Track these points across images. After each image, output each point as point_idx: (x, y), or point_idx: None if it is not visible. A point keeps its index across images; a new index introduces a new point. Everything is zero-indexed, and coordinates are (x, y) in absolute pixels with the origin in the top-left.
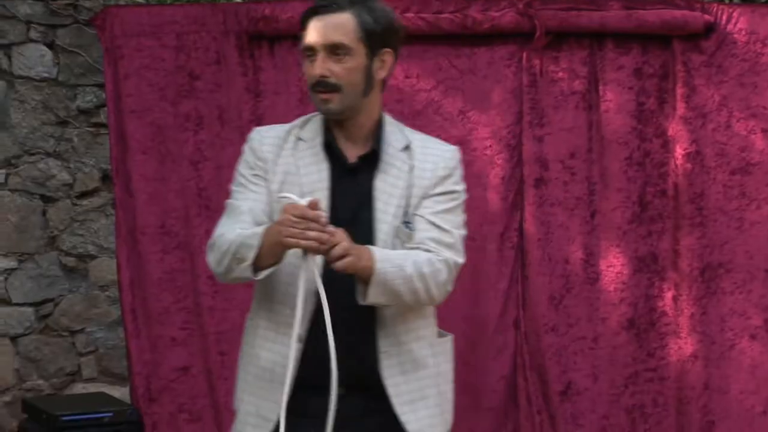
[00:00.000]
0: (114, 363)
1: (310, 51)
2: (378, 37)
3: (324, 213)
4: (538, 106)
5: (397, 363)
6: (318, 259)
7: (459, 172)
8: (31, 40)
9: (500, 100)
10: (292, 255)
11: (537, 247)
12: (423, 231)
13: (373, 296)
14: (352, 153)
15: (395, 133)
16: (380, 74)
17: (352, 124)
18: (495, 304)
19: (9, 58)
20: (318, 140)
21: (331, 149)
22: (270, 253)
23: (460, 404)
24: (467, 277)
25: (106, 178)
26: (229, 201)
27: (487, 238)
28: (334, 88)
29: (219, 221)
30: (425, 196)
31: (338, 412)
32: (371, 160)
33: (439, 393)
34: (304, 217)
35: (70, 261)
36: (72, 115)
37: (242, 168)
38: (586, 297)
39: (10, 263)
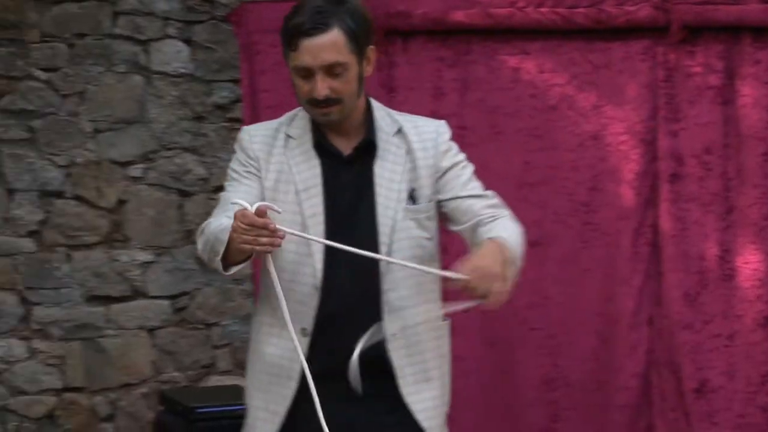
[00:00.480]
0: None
1: (305, 71)
2: (363, 40)
3: (270, 220)
4: (673, 101)
5: (404, 345)
6: (271, 261)
7: (454, 144)
8: (168, 36)
9: (635, 94)
10: (293, 252)
11: (672, 244)
12: (472, 206)
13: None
14: (346, 145)
15: (384, 118)
16: (368, 71)
17: (344, 122)
18: (629, 300)
19: (147, 53)
20: (307, 137)
21: (322, 145)
22: (235, 251)
23: (593, 401)
24: (600, 273)
25: None
26: (221, 194)
27: (621, 234)
28: (335, 102)
29: (215, 211)
30: (438, 176)
31: (352, 394)
32: (366, 149)
33: (442, 375)
34: (253, 225)
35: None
36: (208, 110)
37: (234, 165)
38: (722, 294)
39: (147, 256)
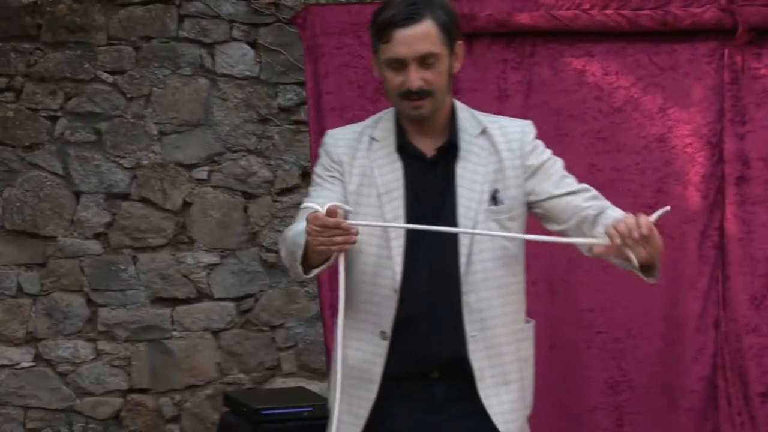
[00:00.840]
0: (313, 358)
1: (399, 62)
2: (453, 33)
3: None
4: (739, 104)
5: (483, 347)
6: (342, 262)
7: (540, 142)
8: (234, 39)
9: (701, 97)
10: (374, 255)
11: (738, 246)
12: (570, 203)
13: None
14: (429, 147)
15: (469, 119)
16: (456, 67)
17: (430, 121)
18: (694, 303)
19: (212, 56)
20: (391, 140)
21: (405, 147)
22: (313, 254)
23: (658, 405)
24: (666, 276)
25: (305, 175)
26: (304, 199)
27: (686, 236)
28: (427, 94)
29: (298, 216)
30: (527, 175)
31: (432, 396)
32: (449, 151)
33: (522, 378)
34: (325, 226)
35: (271, 257)
36: (273, 112)
37: (318, 170)
38: None
39: (212, 258)
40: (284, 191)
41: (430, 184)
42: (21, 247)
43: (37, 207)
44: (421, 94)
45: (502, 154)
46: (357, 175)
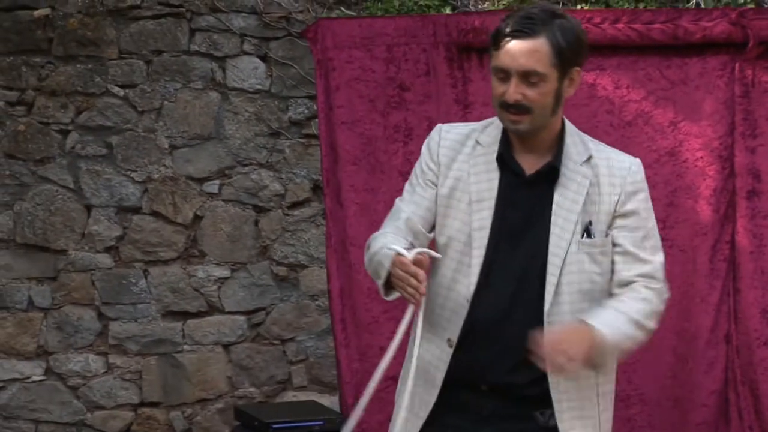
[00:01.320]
0: (324, 372)
1: (503, 72)
2: (569, 59)
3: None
4: (750, 117)
5: (563, 378)
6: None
7: (646, 187)
8: (245, 53)
9: (712, 110)
10: (455, 260)
11: (749, 260)
12: (626, 268)
13: (605, 364)
14: (530, 164)
15: (577, 144)
16: (569, 92)
17: (534, 138)
18: (706, 317)
19: (223, 70)
20: (494, 148)
21: (506, 159)
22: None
23: (669, 419)
24: (677, 289)
25: (316, 188)
26: (397, 199)
27: (697, 250)
28: (526, 111)
29: (389, 216)
30: (617, 214)
31: (480, 408)
32: (549, 173)
33: (599, 413)
34: (407, 273)
35: (282, 270)
36: (284, 126)
37: (417, 168)
38: None
39: (223, 272)
40: (295, 205)
41: (523, 202)
42: (32, 260)
43: (48, 221)
44: (518, 108)
45: (602, 188)
46: (452, 178)
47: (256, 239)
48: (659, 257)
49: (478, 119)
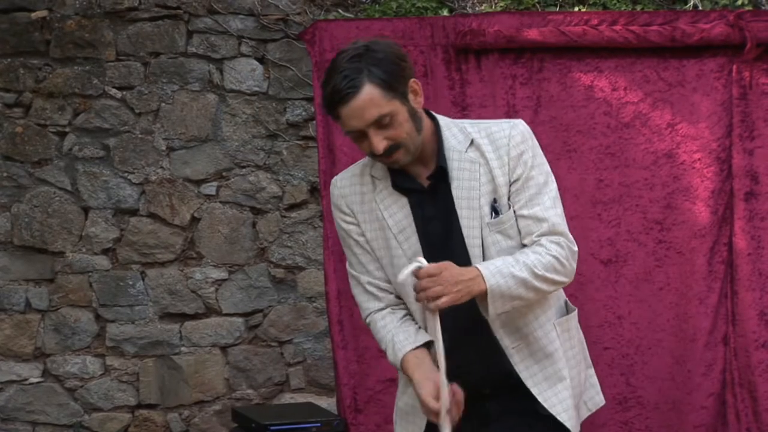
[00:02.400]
0: (321, 373)
1: (357, 133)
2: (398, 82)
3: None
4: (748, 119)
5: (528, 354)
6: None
7: (532, 144)
8: (243, 55)
9: (709, 112)
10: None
11: (747, 262)
12: (523, 229)
13: (496, 309)
14: (425, 174)
15: (456, 136)
16: (419, 103)
17: (416, 156)
18: (704, 319)
19: (221, 72)
20: (388, 179)
21: (401, 183)
22: None
23: (667, 421)
24: (675, 292)
25: (314, 190)
26: (348, 269)
27: (696, 252)
28: (397, 148)
29: (351, 285)
30: (511, 183)
31: (486, 412)
32: (442, 175)
33: (578, 372)
34: (429, 410)
35: (279, 272)
36: (281, 128)
37: (338, 227)
38: None
39: (220, 274)
40: (293, 207)
41: (434, 213)
42: (29, 262)
43: (46, 222)
44: (390, 150)
45: (491, 163)
46: (369, 221)
47: (254, 241)
48: (556, 210)
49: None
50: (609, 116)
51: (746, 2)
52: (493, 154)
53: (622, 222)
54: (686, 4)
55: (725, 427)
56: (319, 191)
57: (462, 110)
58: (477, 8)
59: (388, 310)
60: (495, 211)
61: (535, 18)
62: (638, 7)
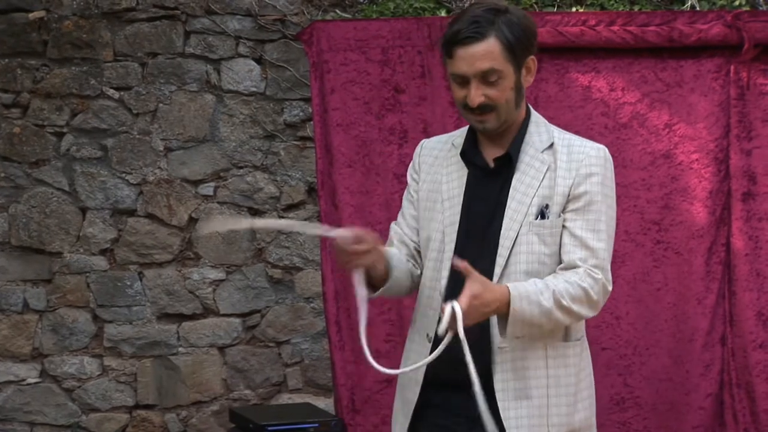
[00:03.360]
0: (319, 374)
1: (461, 78)
2: (522, 50)
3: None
4: (746, 119)
5: (510, 359)
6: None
7: (606, 173)
8: (240, 55)
9: (707, 113)
10: (432, 259)
11: (745, 263)
12: (568, 246)
13: (513, 333)
14: (495, 155)
15: (541, 133)
16: (528, 81)
17: (499, 134)
18: (702, 320)
19: (218, 72)
20: (460, 148)
21: (468, 155)
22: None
23: (664, 422)
24: (673, 292)
25: (311, 191)
26: (393, 223)
27: (693, 252)
28: (491, 109)
29: None
30: (570, 197)
31: (470, 405)
32: (509, 162)
33: (548, 396)
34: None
35: (277, 273)
36: (279, 128)
37: (408, 176)
38: None
39: (218, 274)
40: (290, 207)
41: (487, 193)
42: (27, 263)
43: (44, 223)
44: (483, 109)
45: (559, 171)
46: (429, 181)
47: (251, 242)
48: (607, 247)
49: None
50: (607, 117)
51: (744, 2)
52: (566, 164)
53: (620, 222)
54: (684, 5)
55: (723, 428)
56: (316, 191)
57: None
58: None
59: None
60: (542, 215)
61: (532, 18)
62: (636, 8)
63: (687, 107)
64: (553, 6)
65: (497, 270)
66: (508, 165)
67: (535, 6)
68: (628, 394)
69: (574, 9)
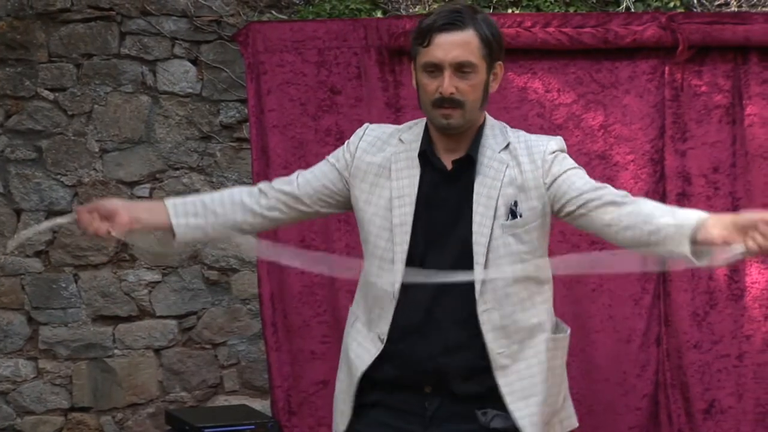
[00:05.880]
0: (255, 376)
1: (435, 67)
2: (495, 51)
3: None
4: (680, 120)
5: (511, 363)
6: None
7: (566, 154)
8: (176, 56)
9: (642, 114)
10: (378, 257)
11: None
12: (599, 194)
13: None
14: (452, 158)
15: (496, 136)
16: (494, 87)
17: (459, 134)
18: (639, 320)
19: (154, 74)
20: (416, 145)
21: (427, 155)
22: None
23: (601, 422)
24: (610, 293)
25: None
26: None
27: (629, 252)
28: (458, 105)
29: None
30: (551, 180)
31: (424, 410)
32: (468, 165)
33: (547, 387)
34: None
35: (213, 274)
36: (215, 130)
37: (336, 153)
38: (730, 314)
39: (154, 276)
40: None
41: (446, 197)
42: None
43: None
44: (453, 102)
45: (523, 166)
46: (373, 174)
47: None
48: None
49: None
50: (542, 118)
51: (678, 4)
52: (527, 158)
53: (555, 223)
54: (619, 7)
55: (658, 428)
56: None
57: (396, 112)
58: (411, 10)
59: (254, 198)
60: (513, 214)
61: None
62: (571, 9)
63: (622, 108)
64: (489, 7)
65: (478, 277)
66: (467, 168)
67: None
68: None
69: (509, 10)
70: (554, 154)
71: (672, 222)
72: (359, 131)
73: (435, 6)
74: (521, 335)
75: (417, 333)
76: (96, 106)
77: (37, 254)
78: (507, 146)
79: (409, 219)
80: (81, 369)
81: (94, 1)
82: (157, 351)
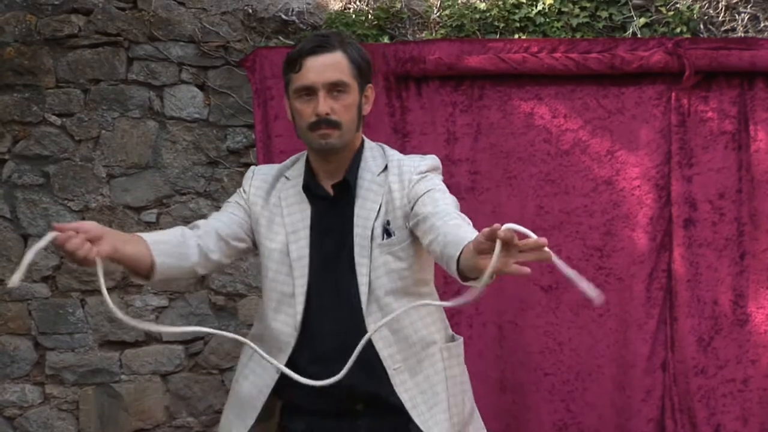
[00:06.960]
0: None
1: (308, 90)
2: (365, 73)
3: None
4: (687, 146)
5: (409, 377)
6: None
7: (435, 174)
8: (183, 82)
9: (648, 139)
10: (278, 291)
11: (686, 289)
12: (440, 204)
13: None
14: (332, 183)
15: (376, 158)
16: (366, 110)
17: (336, 159)
18: (643, 345)
19: (161, 99)
20: (300, 180)
21: (311, 187)
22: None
23: None
24: (614, 318)
25: None
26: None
27: (634, 278)
28: (335, 125)
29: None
30: (412, 202)
31: (356, 429)
32: (348, 190)
33: (448, 396)
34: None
35: (220, 299)
36: (222, 155)
37: (233, 200)
38: (736, 339)
39: (161, 301)
40: None
41: (332, 224)
42: None
43: None
44: (329, 123)
45: (392, 185)
46: (267, 213)
47: None
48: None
49: (416, 147)
50: (549, 143)
51: (685, 30)
52: (397, 177)
53: (562, 249)
54: (625, 32)
55: None
56: None
57: (403, 137)
58: (417, 36)
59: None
60: (387, 233)
61: (475, 45)
62: (578, 35)
63: (628, 134)
64: (496, 33)
65: (363, 298)
66: (347, 192)
67: (478, 33)
68: (570, 420)
69: (516, 36)
70: (421, 175)
71: (455, 241)
72: (248, 175)
73: (441, 32)
74: (414, 349)
75: (334, 363)
76: (103, 131)
77: (44, 279)
78: (386, 168)
79: (306, 252)
80: (88, 394)
81: (101, 27)
82: (164, 376)
